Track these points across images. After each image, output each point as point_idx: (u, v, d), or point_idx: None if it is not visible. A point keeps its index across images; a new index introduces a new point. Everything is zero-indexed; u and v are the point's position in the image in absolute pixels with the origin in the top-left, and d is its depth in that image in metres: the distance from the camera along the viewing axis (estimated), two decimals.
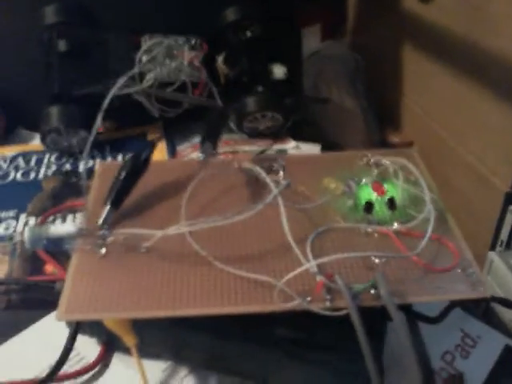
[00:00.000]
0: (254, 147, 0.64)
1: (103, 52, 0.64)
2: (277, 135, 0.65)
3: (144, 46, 0.64)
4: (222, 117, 0.44)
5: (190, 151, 0.64)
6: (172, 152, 0.63)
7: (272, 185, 0.36)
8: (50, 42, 0.64)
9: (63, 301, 0.34)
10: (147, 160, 0.40)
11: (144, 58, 0.64)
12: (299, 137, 0.68)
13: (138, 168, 0.39)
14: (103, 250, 0.36)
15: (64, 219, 0.51)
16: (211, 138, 0.41)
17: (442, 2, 0.74)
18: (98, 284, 0.35)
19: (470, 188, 0.73)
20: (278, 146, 0.64)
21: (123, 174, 0.39)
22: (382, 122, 0.88)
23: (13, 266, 0.46)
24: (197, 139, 0.66)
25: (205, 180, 0.39)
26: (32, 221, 0.51)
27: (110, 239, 0.37)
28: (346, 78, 0.88)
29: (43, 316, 0.43)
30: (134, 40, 0.66)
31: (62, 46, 0.63)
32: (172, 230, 0.35)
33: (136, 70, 0.62)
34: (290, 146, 0.65)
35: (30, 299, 0.44)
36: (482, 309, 0.52)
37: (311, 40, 0.95)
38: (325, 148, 0.67)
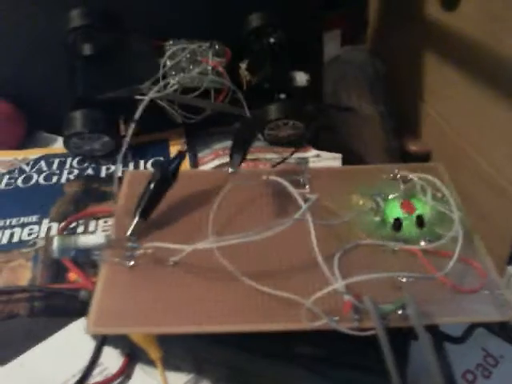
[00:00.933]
0: (275, 155, 0.63)
1: (127, 56, 0.65)
2: (298, 143, 0.64)
3: (168, 52, 0.65)
4: (251, 127, 0.44)
5: (212, 158, 0.64)
6: (193, 159, 0.63)
7: (301, 200, 0.36)
8: (74, 46, 0.64)
9: (92, 313, 0.34)
10: (176, 171, 0.40)
11: (168, 64, 0.64)
12: (320, 144, 0.67)
13: (167, 179, 0.40)
14: (132, 263, 0.36)
15: (86, 225, 0.51)
16: (240, 150, 0.41)
17: (465, 10, 0.73)
18: (127, 297, 0.35)
19: (488, 199, 0.73)
20: (298, 155, 0.63)
21: (152, 185, 0.39)
22: (401, 129, 0.88)
23: (36, 272, 0.47)
24: (218, 145, 0.66)
25: (232, 192, 0.39)
26: (55, 226, 0.51)
27: (138, 251, 0.37)
28: (366, 85, 0.88)
29: (66, 324, 0.43)
30: (158, 45, 0.66)
31: (86, 49, 0.63)
32: (200, 245, 0.35)
33: (160, 75, 0.62)
34: (311, 154, 0.65)
35: (53, 307, 0.44)
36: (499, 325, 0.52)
37: (331, 45, 0.95)
38: (344, 156, 0.67)
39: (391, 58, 0.92)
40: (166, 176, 0.38)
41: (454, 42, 0.76)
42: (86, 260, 0.43)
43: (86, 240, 0.36)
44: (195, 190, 0.42)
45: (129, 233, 0.37)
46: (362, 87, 0.87)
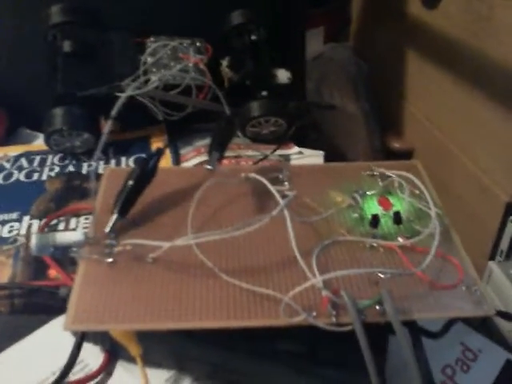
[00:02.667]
0: (257, 152, 0.64)
1: (108, 53, 0.64)
2: (280, 140, 0.65)
3: (149, 48, 0.64)
4: (230, 125, 0.44)
5: (193, 155, 0.64)
6: (175, 155, 0.63)
7: (279, 197, 0.36)
8: (54, 43, 0.64)
9: (71, 310, 0.34)
10: (155, 168, 0.40)
11: (149, 60, 0.64)
12: (302, 142, 0.68)
13: (145, 176, 0.39)
14: (110, 259, 0.36)
15: (67, 222, 0.51)
16: (218, 147, 0.41)
17: (447, 9, 0.74)
18: (105, 294, 0.35)
19: (471, 197, 0.73)
20: (280, 152, 0.63)
21: (131, 181, 0.39)
22: (384, 127, 0.88)
23: (16, 269, 0.46)
24: (200, 143, 0.66)
25: (211, 189, 0.39)
26: (36, 223, 0.50)
27: (116, 248, 0.36)
28: (349, 83, 0.88)
29: (46, 321, 0.43)
30: (139, 42, 0.66)
31: (66, 46, 0.63)
32: (179, 242, 0.35)
33: (141, 72, 0.62)
34: (293, 151, 0.65)
35: (33, 304, 0.44)
36: (480, 320, 0.53)
37: (314, 43, 0.96)
38: (327, 154, 0.67)
39: (374, 56, 0.92)
40: (145, 172, 0.38)
41: (437, 41, 0.76)
42: (65, 257, 0.42)
43: (64, 237, 0.36)
44: (175, 186, 0.42)
45: (107, 230, 0.37)
46: (345, 85, 0.88)
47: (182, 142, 0.66)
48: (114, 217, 0.38)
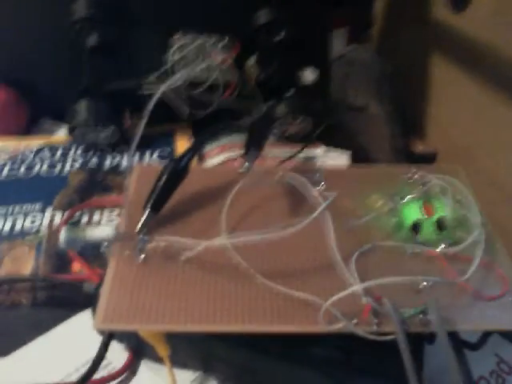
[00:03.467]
0: (283, 151, 0.62)
1: (134, 48, 0.63)
2: (307, 139, 0.63)
3: (176, 45, 0.63)
4: (268, 122, 0.43)
5: (218, 151, 0.63)
6: (199, 152, 0.62)
7: (320, 198, 0.35)
8: (79, 36, 0.63)
9: (100, 309, 0.33)
10: (187, 165, 0.39)
11: (175, 56, 0.63)
12: (328, 142, 0.66)
13: (178, 173, 0.38)
14: (142, 257, 0.35)
15: (91, 215, 0.50)
16: (255, 145, 0.40)
17: (476, 13, 0.73)
18: (136, 293, 0.34)
19: (497, 205, 0.71)
20: (307, 151, 0.62)
21: (164, 178, 0.38)
22: (407, 129, 0.87)
23: (38, 262, 0.45)
24: (224, 140, 0.65)
25: (244, 189, 0.38)
26: (58, 215, 0.49)
27: (149, 245, 0.35)
28: (372, 84, 0.87)
29: (69, 315, 0.42)
30: (166, 37, 0.65)
31: (91, 40, 0.62)
32: (215, 241, 0.34)
33: (167, 67, 0.61)
34: (320, 151, 0.64)
35: (56, 297, 0.43)
36: None
37: (337, 43, 0.94)
38: (352, 154, 0.66)
39: (397, 58, 0.91)
40: (178, 169, 0.37)
41: (463, 45, 0.75)
42: (93, 252, 0.41)
43: (95, 232, 0.35)
44: (207, 186, 0.41)
45: (139, 226, 0.35)
46: (368, 86, 0.86)
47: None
48: (147, 212, 0.36)
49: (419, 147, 0.85)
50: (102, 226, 0.45)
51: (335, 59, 0.91)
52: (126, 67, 0.62)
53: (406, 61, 0.91)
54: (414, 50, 0.88)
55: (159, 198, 0.37)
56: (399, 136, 0.84)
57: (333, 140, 0.69)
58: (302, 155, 0.62)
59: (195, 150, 0.39)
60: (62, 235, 0.35)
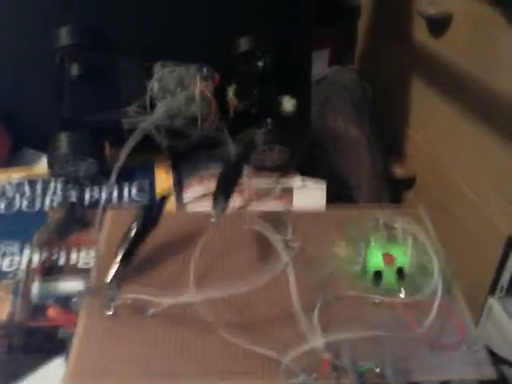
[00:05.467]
0: (261, 181, 0.63)
1: (115, 78, 0.64)
2: (283, 169, 0.64)
3: (156, 74, 0.64)
4: (236, 169, 0.44)
5: (197, 182, 0.64)
6: (178, 183, 0.63)
7: (283, 253, 0.36)
8: (62, 65, 0.63)
9: (70, 364, 0.34)
10: (158, 217, 0.40)
11: (155, 86, 0.63)
12: (306, 170, 0.67)
13: (148, 225, 0.39)
14: (111, 311, 0.36)
15: (68, 257, 0.50)
16: (223, 194, 0.41)
17: (454, 37, 0.74)
18: (105, 348, 0.35)
19: (472, 227, 0.73)
20: (283, 184, 0.63)
21: (133, 231, 0.39)
22: (387, 152, 0.88)
23: (15, 306, 0.46)
24: (204, 171, 0.66)
25: (213, 237, 0.39)
26: (36, 257, 0.50)
27: (117, 301, 0.36)
28: (353, 107, 0.88)
29: (45, 361, 0.43)
30: (147, 66, 0.65)
31: (74, 69, 0.63)
32: (181, 299, 0.35)
33: (147, 98, 0.62)
34: (296, 181, 0.65)
35: (31, 344, 0.44)
36: None
37: (319, 64, 0.95)
38: (330, 180, 0.67)
39: (379, 80, 0.92)
40: (148, 221, 0.38)
41: (442, 68, 0.76)
42: (66, 306, 0.42)
43: (65, 286, 0.36)
44: (177, 232, 0.42)
45: (108, 280, 0.36)
46: (349, 109, 0.87)
47: (185, 169, 0.66)
48: (116, 267, 0.37)
49: (398, 171, 0.86)
50: (74, 281, 0.46)
51: (316, 81, 0.92)
52: (107, 97, 0.62)
53: (387, 83, 0.92)
54: (395, 73, 0.89)
55: (128, 251, 0.38)
56: (379, 159, 0.85)
57: (311, 168, 0.70)
58: (278, 186, 0.63)
59: (164, 202, 0.40)
60: (35, 289, 0.36)
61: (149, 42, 0.65)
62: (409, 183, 0.85)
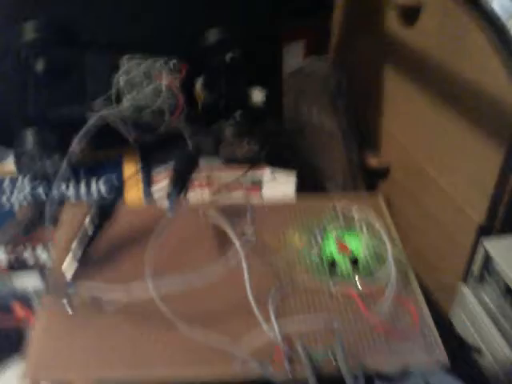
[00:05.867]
0: (230, 174, 0.63)
1: (81, 72, 0.63)
2: (253, 161, 0.64)
3: (122, 68, 0.64)
4: (190, 161, 0.44)
5: (165, 176, 0.63)
6: (147, 176, 0.63)
7: (237, 242, 0.36)
8: (27, 60, 0.63)
9: (30, 360, 0.34)
10: (111, 211, 0.40)
11: (122, 79, 0.63)
12: (275, 162, 0.67)
13: (103, 219, 0.39)
14: (68, 307, 0.36)
15: (34, 250, 0.50)
16: (178, 186, 0.41)
17: (424, 27, 0.74)
18: (64, 343, 0.35)
19: (444, 216, 0.73)
20: (252, 175, 0.63)
21: (89, 226, 0.39)
22: (362, 143, 0.88)
23: None
24: (172, 163, 0.65)
25: (170, 228, 0.39)
26: (1, 251, 0.50)
27: (75, 295, 0.36)
28: (327, 97, 0.88)
29: (10, 362, 0.43)
30: (113, 60, 0.65)
31: (38, 65, 0.62)
32: (137, 293, 0.35)
33: (113, 91, 0.61)
34: (266, 173, 0.65)
35: None
36: None
37: (294, 55, 0.95)
38: (303, 172, 0.67)
39: (353, 70, 0.92)
40: (102, 217, 0.38)
41: (413, 58, 0.76)
42: (25, 303, 0.42)
43: (23, 281, 0.36)
44: (133, 226, 0.42)
45: (67, 279, 0.36)
46: (323, 100, 0.87)
47: (154, 162, 0.66)
48: (74, 263, 0.37)
49: (373, 162, 0.86)
50: (30, 276, 0.45)
51: (292, 72, 0.91)
52: (73, 92, 0.62)
53: (362, 73, 0.92)
54: (369, 63, 0.89)
55: (84, 248, 0.38)
56: (354, 150, 0.85)
57: (283, 160, 0.70)
58: (248, 178, 0.63)
59: (117, 197, 0.40)
60: None
61: (115, 35, 0.64)
62: (383, 173, 0.85)
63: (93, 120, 0.53)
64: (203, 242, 0.40)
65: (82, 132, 0.52)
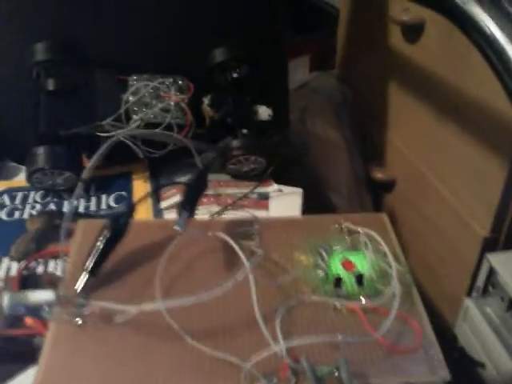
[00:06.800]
0: (237, 190, 0.65)
1: (90, 91, 0.65)
2: (259, 178, 0.66)
3: (131, 87, 0.65)
4: (201, 181, 0.45)
5: (174, 192, 0.65)
6: (156, 193, 0.64)
7: (245, 260, 0.37)
8: (38, 80, 0.65)
9: (40, 373, 0.35)
10: (125, 227, 0.41)
11: (131, 99, 0.65)
12: (283, 178, 0.68)
13: (116, 235, 0.40)
14: (80, 321, 0.37)
15: (46, 265, 0.51)
16: (188, 206, 0.42)
17: (427, 44, 0.75)
18: (74, 357, 0.36)
19: (450, 228, 0.74)
20: (259, 190, 0.65)
21: (102, 241, 0.40)
22: (367, 155, 0.89)
23: None
24: (181, 179, 0.67)
25: (180, 246, 0.40)
26: (14, 266, 0.51)
27: (86, 310, 0.38)
28: (332, 111, 0.89)
29: (21, 370, 0.44)
30: (122, 80, 0.67)
31: (49, 84, 0.64)
32: (147, 307, 0.36)
33: (122, 111, 0.63)
34: (272, 189, 0.66)
35: (7, 353, 0.44)
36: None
37: (299, 71, 0.96)
38: (309, 185, 0.68)
39: (358, 85, 0.93)
40: (115, 232, 0.39)
41: (417, 74, 0.77)
42: (37, 316, 0.43)
43: (35, 297, 0.37)
44: (146, 241, 0.43)
45: (78, 290, 0.38)
46: (329, 113, 0.88)
47: (164, 178, 0.67)
48: (85, 277, 0.39)
49: (378, 175, 0.87)
50: (43, 291, 0.47)
51: (297, 87, 0.93)
52: (83, 111, 0.64)
53: (366, 88, 0.93)
54: (373, 78, 0.90)
55: (97, 261, 0.40)
56: (359, 163, 0.86)
57: (288, 175, 0.71)
58: (255, 194, 0.65)
59: (131, 212, 0.42)
60: (4, 302, 0.37)
61: (123, 54, 0.66)
62: (389, 187, 0.86)
63: (110, 142, 0.55)
64: (211, 259, 0.41)
65: (98, 152, 0.53)
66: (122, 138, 0.59)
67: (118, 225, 0.39)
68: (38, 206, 0.61)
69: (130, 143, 0.60)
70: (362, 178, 0.86)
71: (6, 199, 0.62)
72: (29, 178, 0.61)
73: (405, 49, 0.79)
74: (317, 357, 0.35)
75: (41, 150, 0.60)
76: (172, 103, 0.63)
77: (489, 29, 0.37)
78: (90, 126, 0.60)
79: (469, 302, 0.55)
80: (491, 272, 0.54)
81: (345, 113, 0.89)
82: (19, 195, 0.62)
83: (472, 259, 0.69)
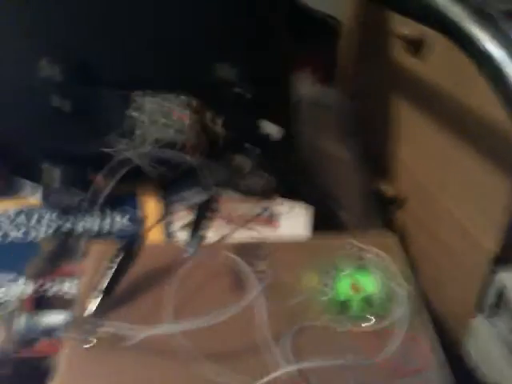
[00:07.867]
0: (247, 207, 0.65)
1: (96, 108, 0.66)
2: (270, 195, 0.66)
3: (135, 104, 0.66)
4: (210, 206, 0.46)
5: (185, 213, 0.65)
6: (166, 212, 0.64)
7: (256, 283, 0.38)
8: (44, 97, 0.65)
9: None
10: (137, 251, 0.42)
11: (135, 115, 0.65)
12: (292, 195, 0.69)
13: (129, 258, 0.41)
14: (92, 342, 0.38)
15: (62, 284, 0.52)
16: (199, 228, 0.43)
17: (430, 58, 0.75)
18: (87, 378, 0.37)
19: (457, 246, 0.74)
20: (269, 207, 0.65)
21: (115, 263, 0.41)
22: (374, 169, 0.89)
23: (9, 335, 0.48)
24: (192, 199, 0.67)
25: (191, 267, 0.41)
26: (30, 286, 0.52)
27: (98, 332, 0.38)
28: (336, 126, 0.89)
29: None
30: (127, 97, 0.67)
31: (55, 101, 0.64)
32: (158, 331, 0.37)
33: (127, 127, 0.63)
34: (282, 206, 0.66)
35: (21, 374, 0.45)
36: None
37: (301, 85, 0.96)
38: (318, 203, 0.68)
39: (362, 99, 0.93)
40: (129, 256, 0.40)
41: (421, 88, 0.77)
42: (52, 337, 0.44)
43: (49, 319, 0.38)
44: (157, 263, 0.44)
45: (91, 311, 0.38)
46: (333, 129, 0.88)
47: (173, 197, 0.67)
48: (98, 300, 0.39)
49: (386, 191, 0.87)
50: (58, 313, 0.47)
51: (299, 101, 0.93)
52: (89, 128, 0.64)
53: (370, 102, 0.93)
54: (377, 91, 0.90)
55: (109, 284, 0.40)
56: (367, 180, 0.86)
57: (297, 192, 0.71)
58: (265, 211, 0.65)
59: (142, 238, 0.42)
60: (20, 324, 0.38)
61: (128, 71, 0.66)
62: (398, 203, 0.86)
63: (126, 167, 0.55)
64: (220, 280, 0.42)
65: (115, 179, 0.54)
66: (135, 161, 0.59)
67: (132, 247, 0.40)
68: (54, 226, 0.61)
69: (145, 164, 0.61)
70: (371, 194, 0.86)
71: (23, 219, 0.62)
72: (44, 197, 0.61)
73: (408, 61, 0.79)
74: (326, 378, 0.35)
75: (53, 171, 0.60)
76: (176, 119, 0.63)
77: (484, 46, 0.37)
78: (97, 144, 0.60)
79: (478, 319, 0.55)
80: (501, 289, 0.54)
81: (349, 127, 0.88)
82: (35, 215, 0.63)
83: (480, 276, 0.69)
